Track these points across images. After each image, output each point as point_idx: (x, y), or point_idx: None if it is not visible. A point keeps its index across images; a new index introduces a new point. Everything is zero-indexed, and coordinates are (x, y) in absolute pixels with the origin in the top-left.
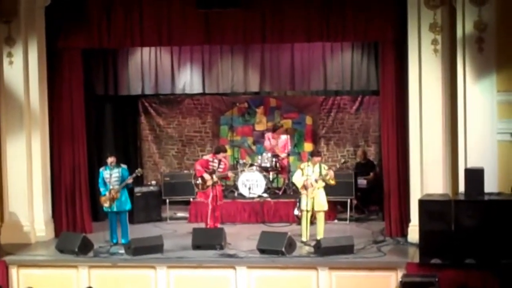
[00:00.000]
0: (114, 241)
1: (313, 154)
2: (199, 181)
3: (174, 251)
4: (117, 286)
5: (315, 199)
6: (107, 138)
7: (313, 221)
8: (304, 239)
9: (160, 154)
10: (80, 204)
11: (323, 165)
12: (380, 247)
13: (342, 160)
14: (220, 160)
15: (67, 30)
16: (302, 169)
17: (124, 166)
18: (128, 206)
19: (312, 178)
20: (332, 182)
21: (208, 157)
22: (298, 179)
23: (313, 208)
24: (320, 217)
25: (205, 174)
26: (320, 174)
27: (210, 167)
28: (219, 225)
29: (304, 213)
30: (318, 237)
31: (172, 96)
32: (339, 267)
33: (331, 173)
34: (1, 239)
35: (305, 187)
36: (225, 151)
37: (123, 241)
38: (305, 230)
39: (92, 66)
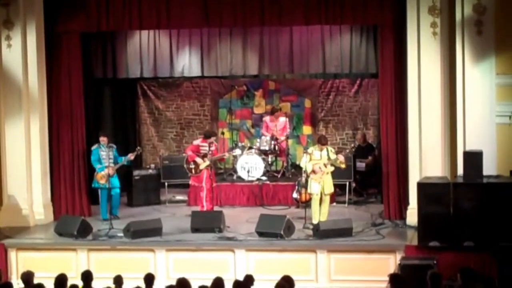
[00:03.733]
0: (106, 217)
1: (320, 141)
2: (192, 165)
3: (173, 234)
4: (116, 269)
5: (324, 183)
6: (105, 121)
7: (311, 204)
8: (315, 221)
9: (159, 137)
10: (79, 187)
11: (329, 148)
12: (378, 230)
13: (352, 145)
14: (211, 143)
15: (66, 13)
16: (310, 154)
17: (114, 146)
18: (118, 183)
19: (321, 163)
20: (343, 166)
21: (198, 142)
22: (306, 164)
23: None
24: (327, 200)
25: (197, 158)
26: (329, 158)
27: (202, 151)
28: (214, 208)
29: (315, 197)
30: (323, 220)
31: (170, 79)
32: (337, 250)
33: (341, 157)
34: (0, 222)
35: (314, 171)
36: (215, 135)
37: (115, 213)
38: (316, 213)
39: (90, 49)
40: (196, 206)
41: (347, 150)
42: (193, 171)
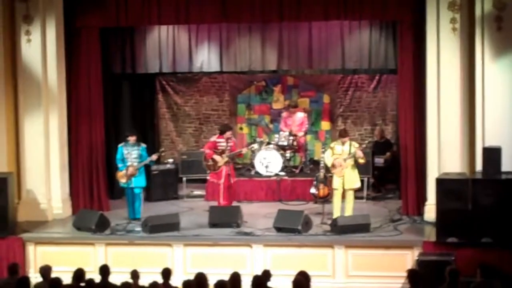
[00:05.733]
0: (132, 216)
1: (340, 134)
2: (210, 162)
3: (191, 229)
4: (133, 264)
5: (345, 178)
6: (124, 116)
7: (329, 200)
8: (335, 217)
9: (177, 132)
10: (97, 182)
11: (353, 143)
12: (396, 226)
13: (367, 141)
14: (228, 139)
15: (85, 8)
16: (332, 148)
17: (143, 145)
18: (144, 183)
19: (341, 157)
20: (362, 160)
21: (215, 138)
22: (328, 158)
23: (343, 187)
24: (349, 196)
25: (215, 155)
26: (349, 152)
27: (219, 147)
28: (234, 203)
29: (336, 191)
30: (347, 215)
31: (189, 74)
32: (355, 246)
33: (359, 153)
34: (19, 217)
35: (334, 166)
36: (229, 129)
37: (137, 216)
38: (337, 209)
39: (109, 45)
40: (214, 201)
41: (364, 146)
42: (211, 168)
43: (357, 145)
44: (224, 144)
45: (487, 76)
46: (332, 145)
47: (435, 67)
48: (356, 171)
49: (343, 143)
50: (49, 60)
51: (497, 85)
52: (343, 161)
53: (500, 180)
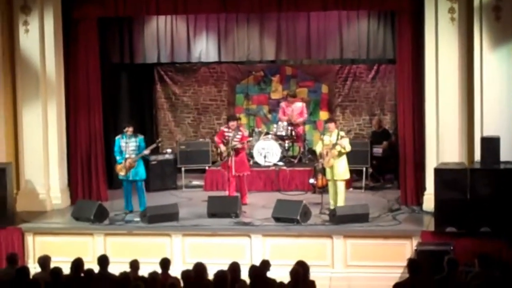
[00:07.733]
0: (130, 209)
1: (326, 121)
2: (218, 151)
3: (189, 219)
4: (132, 254)
5: (333, 169)
6: (122, 107)
7: (327, 190)
8: (331, 207)
9: (175, 123)
10: (96, 172)
11: (341, 133)
12: (395, 216)
13: (348, 129)
14: (236, 129)
15: None
16: (321, 139)
17: (141, 136)
18: (143, 176)
19: (328, 147)
20: (343, 150)
21: (224, 127)
22: (317, 149)
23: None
24: (339, 187)
25: (220, 145)
26: (337, 140)
27: (227, 137)
28: (247, 198)
29: (329, 182)
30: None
31: (187, 64)
32: (354, 235)
33: (341, 142)
34: (17, 207)
35: (321, 155)
36: (233, 119)
37: (141, 209)
38: (331, 199)
39: (107, 35)
40: (213, 191)
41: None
42: (219, 157)
43: (343, 133)
44: (231, 134)
45: (486, 66)
46: (321, 136)
47: (434, 57)
48: (344, 162)
49: (330, 133)
50: (47, 51)
51: (496, 75)
52: (329, 149)
53: (498, 169)
